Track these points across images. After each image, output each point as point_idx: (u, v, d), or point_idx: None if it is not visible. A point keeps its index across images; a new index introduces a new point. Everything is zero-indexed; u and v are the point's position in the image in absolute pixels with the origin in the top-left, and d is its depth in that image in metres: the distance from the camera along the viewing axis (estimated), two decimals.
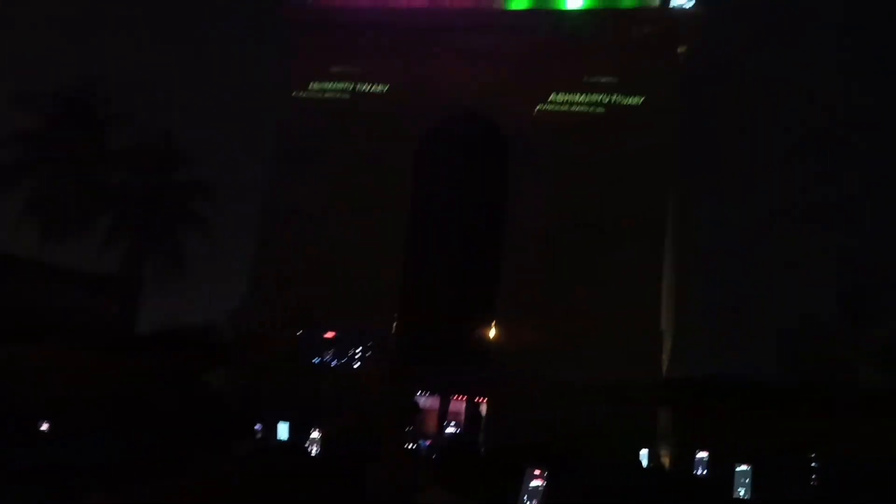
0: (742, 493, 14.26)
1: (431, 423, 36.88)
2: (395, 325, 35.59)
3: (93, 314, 40.83)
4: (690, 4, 35.56)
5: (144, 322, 39.07)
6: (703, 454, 21.14)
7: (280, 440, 18.42)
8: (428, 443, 29.47)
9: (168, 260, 38.97)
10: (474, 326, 34.47)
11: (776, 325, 38.61)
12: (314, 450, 18.28)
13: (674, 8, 35.59)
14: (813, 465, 23.27)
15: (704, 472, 20.17)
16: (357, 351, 28.19)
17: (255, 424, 18.48)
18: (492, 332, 34.30)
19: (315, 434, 18.84)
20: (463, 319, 34.39)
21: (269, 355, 33.76)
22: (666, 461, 30.40)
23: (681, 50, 35.54)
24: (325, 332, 28.64)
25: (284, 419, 19.32)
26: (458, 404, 36.11)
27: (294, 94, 38.06)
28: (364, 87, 37.59)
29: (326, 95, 37.90)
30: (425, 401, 36.75)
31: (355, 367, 28.56)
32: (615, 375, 31.33)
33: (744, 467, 14.27)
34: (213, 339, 38.14)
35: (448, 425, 33.70)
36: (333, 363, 28.30)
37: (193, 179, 40.28)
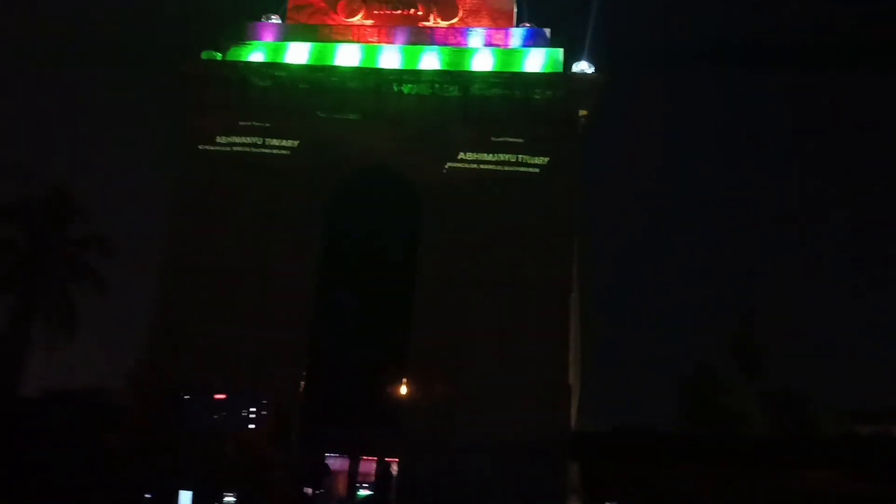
0: None
1: (342, 485, 35.96)
2: (302, 385, 34.65)
3: None
4: (591, 70, 37.31)
5: (31, 384, 36.64)
6: None
7: None
8: None
9: (59, 318, 36.82)
10: (383, 386, 34.02)
11: (674, 377, 40.13)
12: None
13: (576, 73, 37.21)
14: None
15: None
16: (250, 412, 27.60)
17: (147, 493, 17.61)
18: (401, 392, 33.94)
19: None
20: (371, 379, 33.89)
21: (163, 418, 32.17)
22: None
23: (582, 114, 37.08)
24: (215, 394, 27.89)
25: (184, 487, 18.51)
26: (368, 465, 35.40)
27: (196, 148, 37.18)
28: (269, 143, 37.10)
29: (230, 150, 37.18)
30: (334, 462, 35.87)
31: (249, 428, 27.81)
32: (526, 431, 31.56)
33: None
34: (105, 401, 36.14)
35: (359, 486, 32.89)
36: (225, 425, 27.54)
37: (89, 234, 38.50)
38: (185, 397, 28.01)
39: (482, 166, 36.04)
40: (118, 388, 34.70)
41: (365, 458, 35.70)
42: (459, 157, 36.19)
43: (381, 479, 33.99)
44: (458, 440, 31.88)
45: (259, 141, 37.10)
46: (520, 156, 36.21)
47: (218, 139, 37.16)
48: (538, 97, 36.99)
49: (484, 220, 35.05)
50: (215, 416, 27.77)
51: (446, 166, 35.99)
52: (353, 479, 35.41)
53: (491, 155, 36.21)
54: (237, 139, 37.29)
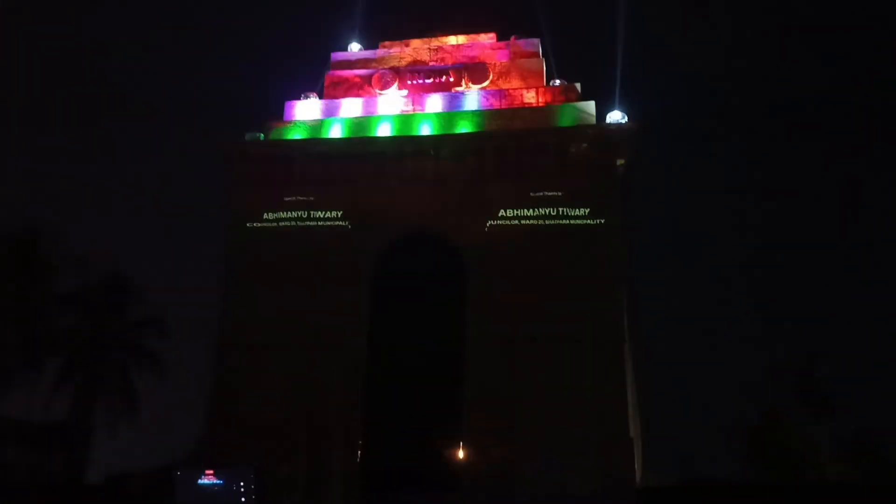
0: None
1: None
2: (359, 454, 34.47)
3: (39, 468, 38.72)
4: (624, 120, 37.56)
5: (96, 469, 37.23)
6: None
7: None
8: None
9: (121, 401, 37.60)
10: (441, 450, 33.62)
11: (741, 424, 38.68)
12: None
13: (610, 124, 37.49)
14: None
15: None
16: (240, 487, 27.79)
17: None
18: (459, 455, 33.48)
19: None
20: (428, 444, 33.55)
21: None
22: None
23: (619, 163, 37.19)
24: (206, 470, 28.23)
25: None
26: None
27: (243, 224, 38.22)
28: (314, 216, 37.95)
29: (276, 225, 38.12)
30: None
31: (241, 501, 27.98)
32: (589, 488, 30.71)
33: None
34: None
35: None
36: (217, 500, 27.81)
37: (145, 316, 39.55)
38: (178, 473, 28.36)
39: (524, 222, 36.14)
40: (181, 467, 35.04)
41: None
42: (500, 213, 36.35)
43: None
44: (520, 501, 31.12)
45: (304, 214, 38.02)
46: (560, 209, 36.22)
47: (263, 215, 38.18)
48: (574, 150, 37.26)
49: (530, 275, 34.95)
50: (210, 492, 27.97)
51: (488, 224, 36.13)
52: None
53: (532, 210, 36.33)
54: (282, 214, 38.24)
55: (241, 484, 27.50)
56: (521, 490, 31.29)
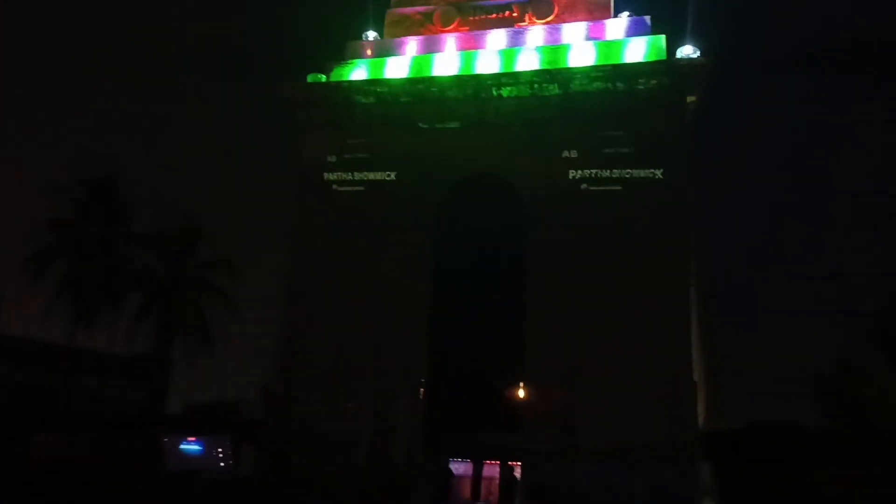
0: None
1: (466, 489, 36.32)
2: (422, 392, 35.26)
3: (122, 397, 41.30)
4: (696, 55, 35.77)
5: (175, 399, 39.38)
6: None
7: None
8: None
9: (197, 336, 39.43)
10: (503, 391, 34.04)
11: (811, 371, 37.80)
12: None
13: (681, 59, 35.78)
14: None
15: None
16: (219, 453, 28.78)
17: None
18: (521, 396, 33.84)
19: None
20: (491, 385, 33.99)
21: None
22: None
23: (690, 100, 35.62)
24: (188, 437, 29.28)
25: None
26: (492, 469, 35.55)
27: (308, 169, 38.59)
28: (376, 159, 37.91)
29: (340, 169, 38.29)
30: (458, 467, 36.32)
31: (220, 466, 29.07)
32: (651, 432, 30.65)
33: None
34: (242, 415, 38.30)
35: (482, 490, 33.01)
36: (200, 464, 28.89)
37: (217, 257, 40.98)
38: (165, 440, 29.44)
39: (589, 171, 35.18)
40: (251, 402, 36.80)
41: (488, 462, 35.88)
42: (564, 155, 35.51)
43: (506, 484, 34.05)
44: (581, 443, 31.39)
45: (366, 157, 38.04)
46: (628, 149, 35.10)
47: (327, 159, 38.39)
48: (642, 87, 35.77)
49: (594, 218, 34.30)
50: (191, 456, 29.07)
51: (552, 169, 35.34)
52: (478, 483, 35.70)
53: (596, 151, 35.32)
54: (346, 156, 38.37)
55: (220, 450, 28.55)
56: (581, 433, 31.48)
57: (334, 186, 38.17)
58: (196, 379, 39.99)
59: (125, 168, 39.97)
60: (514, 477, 33.78)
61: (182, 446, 28.44)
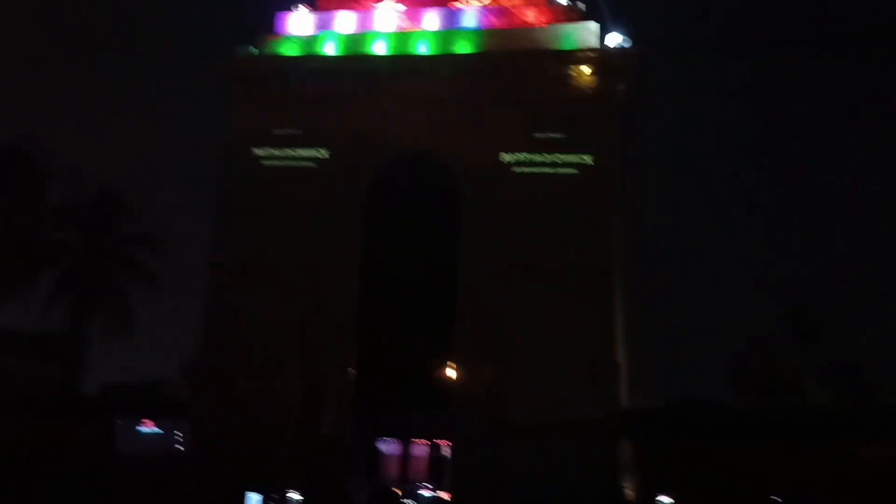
0: None
1: (395, 468, 36.57)
2: (353, 372, 35.14)
3: (36, 377, 39.52)
4: (627, 44, 36.52)
5: (92, 380, 37.98)
6: (666, 499, 21.36)
7: None
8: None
9: (116, 315, 38.04)
10: (433, 371, 34.30)
11: (727, 350, 39.55)
12: None
13: (611, 47, 36.47)
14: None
15: None
16: (177, 436, 28.58)
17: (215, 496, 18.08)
18: (450, 376, 34.15)
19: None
20: (421, 365, 34.19)
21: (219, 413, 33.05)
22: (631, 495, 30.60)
23: (620, 88, 36.39)
24: (144, 419, 28.94)
25: (252, 488, 18.93)
26: (422, 448, 35.90)
27: (237, 144, 37.62)
28: (308, 136, 37.26)
29: (271, 145, 37.48)
30: (388, 446, 36.51)
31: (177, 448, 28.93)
32: (576, 410, 31.46)
33: None
34: (164, 395, 37.29)
35: (419, 485, 33.20)
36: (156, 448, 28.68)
37: (138, 232, 39.57)
38: (118, 423, 28.90)
39: (521, 154, 35.57)
40: (175, 382, 35.87)
41: (417, 441, 36.19)
42: (496, 139, 35.75)
43: (434, 463, 34.44)
44: (509, 422, 31.97)
45: (298, 133, 37.35)
46: (559, 134, 35.65)
47: (257, 134, 37.51)
48: (574, 73, 36.38)
49: (524, 204, 34.76)
50: (148, 439, 28.73)
51: (484, 150, 35.53)
52: (406, 462, 36.01)
53: (528, 135, 35.73)
54: (277, 132, 37.56)
55: (179, 433, 28.02)
56: (510, 412, 32.04)
57: (264, 162, 37.37)
58: (117, 359, 38.68)
59: (42, 137, 37.82)
60: (443, 455, 34.19)
61: (139, 429, 27.60)
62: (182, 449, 28.15)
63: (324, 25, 39.80)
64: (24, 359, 39.33)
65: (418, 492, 32.22)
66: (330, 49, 38.74)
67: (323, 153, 36.96)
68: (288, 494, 18.87)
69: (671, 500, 21.79)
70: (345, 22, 39.73)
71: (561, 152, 35.17)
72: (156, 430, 28.32)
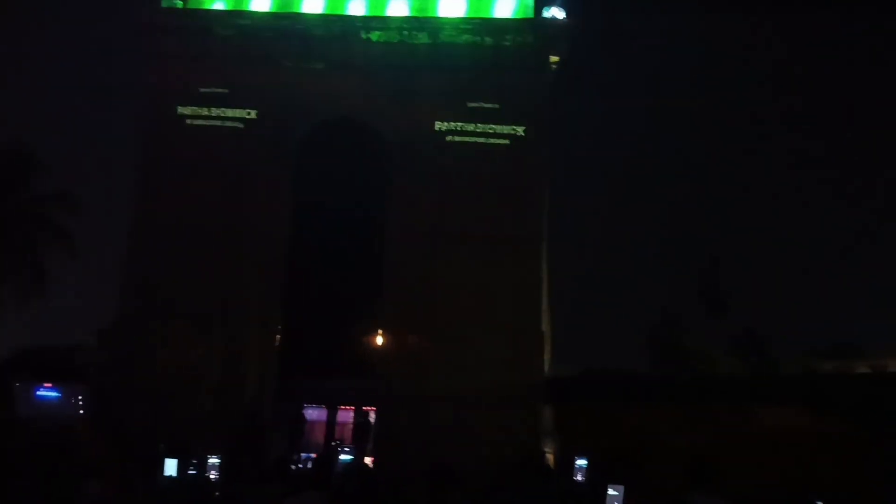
0: None
1: (320, 434, 36.71)
2: (277, 338, 34.90)
3: None
4: (562, 16, 36.81)
5: (3, 344, 36.43)
6: (582, 461, 22.40)
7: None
8: (314, 455, 29.34)
9: (29, 277, 36.38)
10: (359, 338, 34.46)
11: (643, 323, 41.25)
12: None
13: (547, 19, 36.70)
14: None
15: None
16: (79, 401, 28.28)
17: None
18: (377, 343, 34.40)
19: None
20: (347, 332, 34.28)
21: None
22: (551, 462, 31.75)
23: (553, 60, 36.75)
24: (44, 382, 28.42)
25: (168, 454, 18.76)
26: (346, 415, 36.14)
27: (159, 101, 36.20)
28: (234, 95, 36.18)
29: (194, 104, 36.20)
30: (312, 413, 36.56)
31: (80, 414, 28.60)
32: (501, 379, 32.25)
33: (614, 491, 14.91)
34: (79, 360, 36.12)
35: (340, 449, 33.38)
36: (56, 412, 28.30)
37: (52, 190, 37.76)
38: (17, 384, 28.25)
39: (453, 124, 35.59)
40: (92, 346, 34.75)
41: (343, 408, 36.39)
42: (430, 105, 35.65)
43: (359, 429, 34.74)
44: (432, 389, 32.49)
45: (224, 92, 36.20)
46: (492, 104, 35.83)
47: (182, 92, 36.14)
48: (508, 44, 36.49)
49: (456, 170, 34.94)
50: (47, 403, 28.20)
51: (415, 119, 35.40)
52: (332, 428, 36.20)
53: (461, 104, 35.76)
54: (202, 90, 36.31)
55: (79, 397, 27.46)
56: (435, 380, 32.54)
57: (188, 121, 36.12)
58: (29, 322, 37.09)
59: None
60: (368, 422, 34.52)
61: (38, 392, 26.52)
62: (82, 413, 27.50)
63: None
64: None
65: (339, 457, 32.48)
66: (260, 5, 37.49)
67: (251, 114, 36.03)
68: (209, 460, 18.76)
69: (584, 461, 23.07)
70: None
71: (494, 123, 35.42)
72: (54, 393, 27.45)
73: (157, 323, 33.60)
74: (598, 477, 15.70)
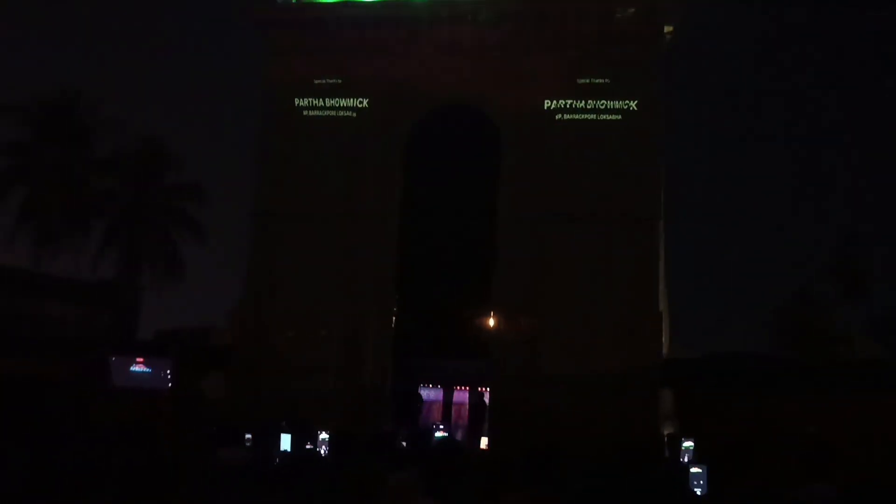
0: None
1: (437, 413, 37.24)
2: (393, 320, 35.65)
3: (87, 321, 40.99)
4: None
5: (146, 327, 39.29)
6: (689, 443, 21.51)
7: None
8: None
9: (165, 263, 39.10)
10: (472, 320, 34.60)
11: (770, 303, 38.95)
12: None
13: None
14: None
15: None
16: (167, 374, 29.62)
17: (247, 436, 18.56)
18: (489, 325, 34.44)
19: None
20: (460, 314, 34.49)
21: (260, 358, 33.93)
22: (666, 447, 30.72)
23: (667, 30, 35.34)
24: (137, 357, 29.83)
25: (284, 430, 19.44)
26: (462, 395, 36.44)
27: (277, 94, 37.63)
28: (347, 85, 37.09)
29: (310, 95, 37.41)
30: (429, 392, 37.13)
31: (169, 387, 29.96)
32: (616, 360, 31.59)
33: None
34: (211, 341, 38.41)
35: (436, 428, 33.77)
36: (148, 384, 29.64)
37: (183, 182, 40.29)
38: (112, 359, 29.92)
39: (563, 101, 34.97)
40: (221, 328, 36.86)
41: (458, 388, 36.73)
42: (539, 85, 35.16)
43: (475, 409, 34.96)
44: (547, 371, 32.23)
45: (337, 82, 37.21)
46: (602, 79, 34.92)
47: (298, 84, 37.45)
48: (619, 15, 35.38)
49: (567, 148, 34.38)
50: (139, 376, 29.72)
51: (525, 98, 35.01)
52: (448, 408, 36.63)
53: (572, 82, 35.06)
54: (317, 81, 37.47)
55: (168, 371, 29.31)
56: (547, 361, 32.29)
57: (305, 112, 37.41)
58: (168, 305, 39.88)
59: (86, 87, 38.59)
60: (484, 402, 34.67)
61: (133, 368, 29.07)
62: (170, 385, 29.54)
63: None
64: (75, 306, 40.78)
65: (435, 434, 32.91)
66: None
67: (364, 103, 36.84)
68: (321, 435, 19.38)
69: (691, 443, 22.18)
70: None
71: (605, 98, 34.51)
72: (145, 369, 29.69)
73: (282, 305, 35.13)
74: (708, 462, 14.85)
